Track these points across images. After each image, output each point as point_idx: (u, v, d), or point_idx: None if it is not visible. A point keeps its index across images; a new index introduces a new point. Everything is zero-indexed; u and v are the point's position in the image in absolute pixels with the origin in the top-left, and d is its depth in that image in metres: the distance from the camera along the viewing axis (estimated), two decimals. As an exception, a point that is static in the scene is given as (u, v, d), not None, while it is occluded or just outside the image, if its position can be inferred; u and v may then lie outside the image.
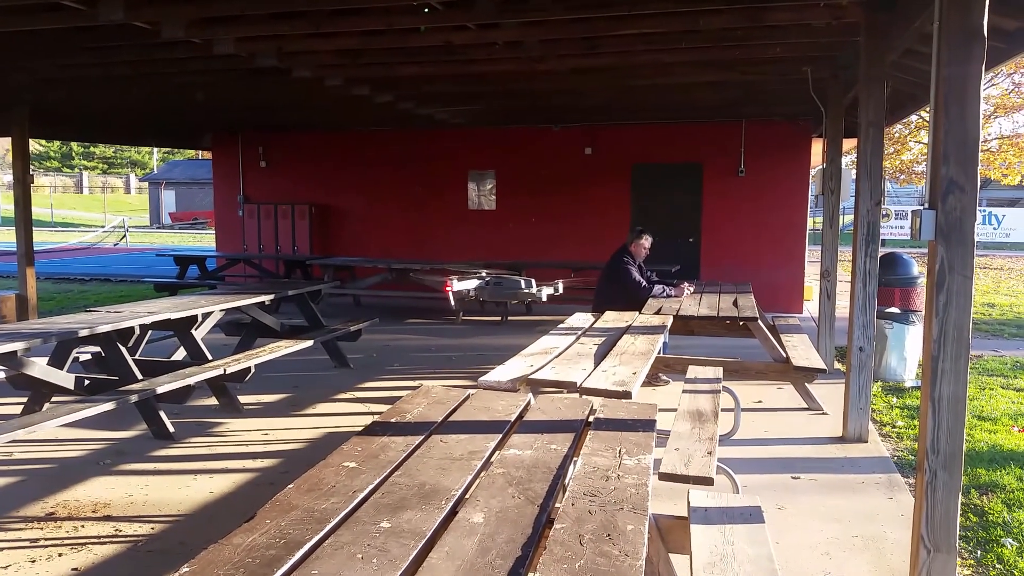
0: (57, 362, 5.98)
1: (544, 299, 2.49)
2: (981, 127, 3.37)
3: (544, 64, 7.44)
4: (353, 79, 8.54)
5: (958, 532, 3.40)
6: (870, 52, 5.68)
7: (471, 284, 2.50)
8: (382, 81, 8.83)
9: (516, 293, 2.47)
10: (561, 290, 2.72)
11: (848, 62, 7.22)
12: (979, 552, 4.12)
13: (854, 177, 6.20)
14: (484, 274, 2.64)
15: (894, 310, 7.77)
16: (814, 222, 19.98)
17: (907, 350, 7.72)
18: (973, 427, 6.21)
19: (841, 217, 9.10)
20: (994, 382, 7.79)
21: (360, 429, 3.17)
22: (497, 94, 9.69)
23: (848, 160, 16.35)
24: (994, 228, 24.97)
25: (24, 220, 10.32)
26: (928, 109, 3.63)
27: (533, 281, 2.45)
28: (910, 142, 22.51)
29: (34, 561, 3.94)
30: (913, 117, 18.61)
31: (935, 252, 3.32)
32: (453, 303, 2.51)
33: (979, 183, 3.34)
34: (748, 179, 12.20)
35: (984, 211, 25.22)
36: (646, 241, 7.86)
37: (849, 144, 11.19)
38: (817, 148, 12.02)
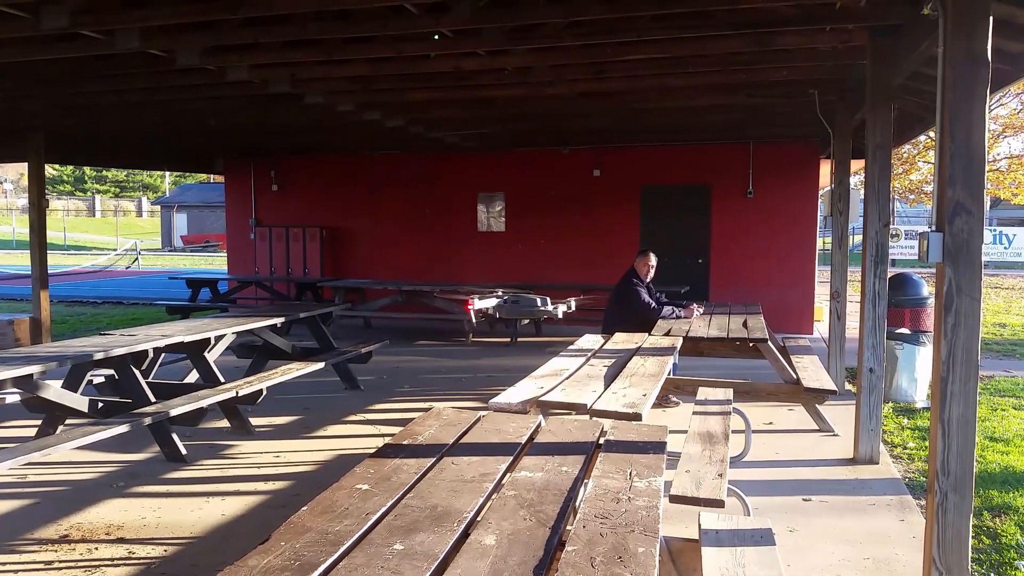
0: (71, 385, 6.03)
1: (560, 316, 2.56)
2: (990, 147, 3.41)
3: (553, 89, 7.52)
4: (364, 104, 8.64)
5: (970, 554, 3.39)
6: (876, 75, 5.73)
7: (491, 303, 2.57)
8: (393, 106, 8.94)
9: (532, 311, 2.53)
10: (574, 307, 2.79)
11: (855, 84, 7.27)
12: (992, 574, 4.10)
13: (863, 198, 6.22)
14: (500, 293, 2.72)
15: (904, 331, 7.76)
16: (823, 243, 19.96)
17: (918, 371, 7.70)
18: (985, 448, 6.19)
19: (850, 238, 9.09)
20: (1006, 403, 7.75)
21: (371, 451, 3.20)
22: (506, 118, 9.78)
23: (856, 180, 16.37)
24: (1005, 248, 24.84)
25: (39, 244, 10.44)
26: (934, 132, 3.66)
27: (548, 299, 2.53)
28: (919, 162, 22.51)
29: (49, 584, 3.97)
30: (921, 137, 18.63)
31: (943, 274, 3.34)
32: (475, 321, 2.58)
33: (989, 203, 3.37)
34: (757, 200, 12.23)
35: (994, 231, 25.09)
36: (651, 259, 7.88)
37: (857, 165, 11.23)
38: (825, 169, 12.05)
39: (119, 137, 12.52)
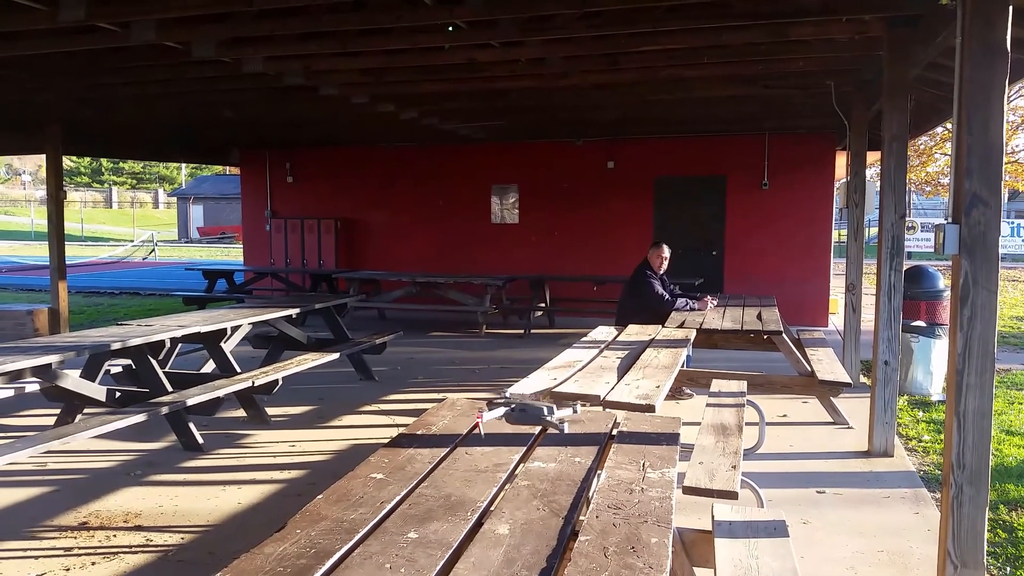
0: (89, 374, 6.10)
1: (565, 429, 2.61)
2: (1008, 138, 3.39)
3: (566, 80, 7.50)
4: (378, 96, 8.66)
5: (986, 548, 3.38)
6: (893, 66, 5.69)
7: (499, 412, 2.64)
8: (406, 98, 8.95)
9: (540, 419, 2.61)
10: (579, 411, 2.86)
11: (871, 75, 7.21)
12: (1008, 569, 4.08)
13: (879, 190, 6.18)
14: (508, 394, 2.82)
15: (920, 324, 7.71)
16: (839, 235, 19.85)
17: (933, 364, 7.65)
18: (1002, 442, 6.15)
19: (866, 230, 9.05)
20: (1023, 396, 7.69)
21: (385, 441, 3.22)
22: (520, 109, 9.77)
23: (872, 173, 16.25)
24: (1023, 241, 24.60)
25: (57, 235, 10.54)
26: (951, 124, 3.64)
27: (554, 407, 2.61)
28: (936, 154, 22.30)
29: (68, 569, 4.03)
30: (938, 129, 18.45)
31: (959, 266, 3.32)
32: (482, 433, 2.67)
33: (1007, 195, 3.35)
34: (772, 192, 12.17)
35: (1012, 223, 24.85)
36: (664, 251, 7.87)
37: (873, 157, 11.15)
38: (841, 161, 11.97)
39: (136, 129, 12.59)
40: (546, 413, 2.53)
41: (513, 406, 2.56)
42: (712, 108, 9.64)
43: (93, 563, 4.10)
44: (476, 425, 2.48)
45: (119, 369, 6.64)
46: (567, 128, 12.04)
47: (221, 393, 5.94)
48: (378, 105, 8.95)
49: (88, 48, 6.29)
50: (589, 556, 2.16)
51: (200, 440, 5.99)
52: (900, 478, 5.38)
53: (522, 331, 11.55)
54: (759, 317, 7.42)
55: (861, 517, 4.68)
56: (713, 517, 3.12)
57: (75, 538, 4.42)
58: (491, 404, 2.57)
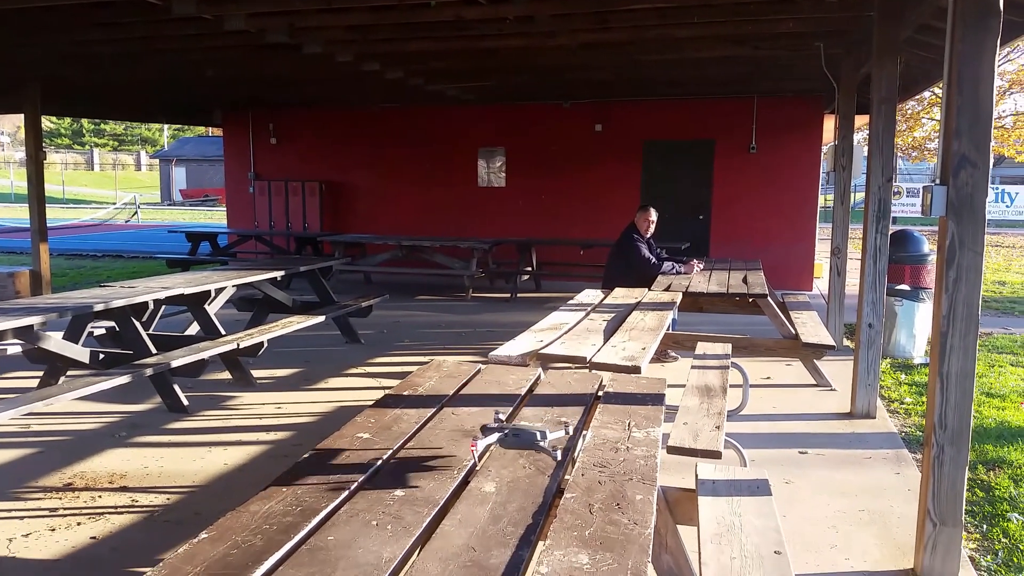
0: (72, 336, 6.05)
1: (558, 457, 2.61)
2: (996, 103, 3.37)
3: (555, 40, 7.40)
4: (363, 55, 8.52)
5: (964, 506, 3.43)
6: (883, 28, 5.64)
7: (493, 438, 2.65)
8: (392, 57, 8.81)
9: (533, 444, 2.63)
10: (572, 432, 2.86)
11: (861, 37, 7.16)
12: (985, 526, 4.15)
13: (866, 154, 6.17)
14: (502, 417, 2.82)
15: (904, 287, 7.77)
16: (825, 199, 19.87)
17: (916, 327, 7.71)
18: (981, 404, 6.23)
19: (852, 194, 9.04)
20: (1004, 359, 7.79)
21: (372, 402, 3.22)
22: (507, 70, 9.65)
23: (860, 136, 16.23)
24: (1007, 206, 24.73)
25: (37, 197, 10.39)
26: (941, 86, 3.62)
27: (547, 432, 2.61)
28: (923, 118, 22.34)
29: (54, 530, 4.03)
30: (926, 93, 18.43)
31: (946, 228, 3.32)
32: (477, 461, 2.68)
33: (992, 160, 3.34)
34: (759, 156, 12.14)
35: (997, 189, 24.96)
36: (651, 215, 7.85)
37: (862, 120, 11.11)
38: (829, 124, 11.95)
39: (117, 88, 12.36)
40: (539, 439, 2.59)
41: (506, 431, 2.62)
42: (701, 70, 9.56)
43: (79, 523, 4.10)
44: (471, 451, 2.53)
45: (102, 331, 6.60)
46: (555, 90, 11.93)
47: (206, 355, 5.91)
48: (363, 64, 8.81)
49: (68, 3, 6.14)
50: (575, 512, 2.18)
51: (185, 402, 5.98)
52: (882, 439, 5.45)
53: (508, 295, 11.55)
54: (745, 281, 7.45)
55: (843, 477, 4.74)
56: (697, 476, 3.14)
57: (60, 499, 4.41)
58: (485, 430, 2.62)
